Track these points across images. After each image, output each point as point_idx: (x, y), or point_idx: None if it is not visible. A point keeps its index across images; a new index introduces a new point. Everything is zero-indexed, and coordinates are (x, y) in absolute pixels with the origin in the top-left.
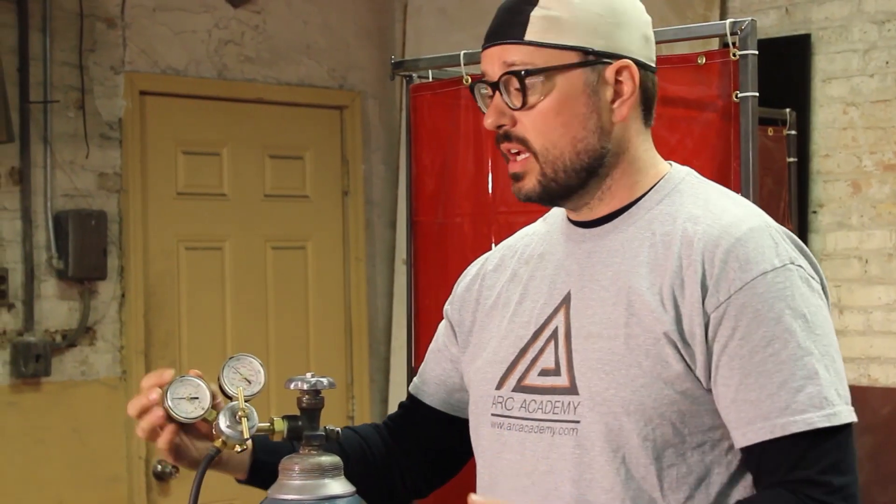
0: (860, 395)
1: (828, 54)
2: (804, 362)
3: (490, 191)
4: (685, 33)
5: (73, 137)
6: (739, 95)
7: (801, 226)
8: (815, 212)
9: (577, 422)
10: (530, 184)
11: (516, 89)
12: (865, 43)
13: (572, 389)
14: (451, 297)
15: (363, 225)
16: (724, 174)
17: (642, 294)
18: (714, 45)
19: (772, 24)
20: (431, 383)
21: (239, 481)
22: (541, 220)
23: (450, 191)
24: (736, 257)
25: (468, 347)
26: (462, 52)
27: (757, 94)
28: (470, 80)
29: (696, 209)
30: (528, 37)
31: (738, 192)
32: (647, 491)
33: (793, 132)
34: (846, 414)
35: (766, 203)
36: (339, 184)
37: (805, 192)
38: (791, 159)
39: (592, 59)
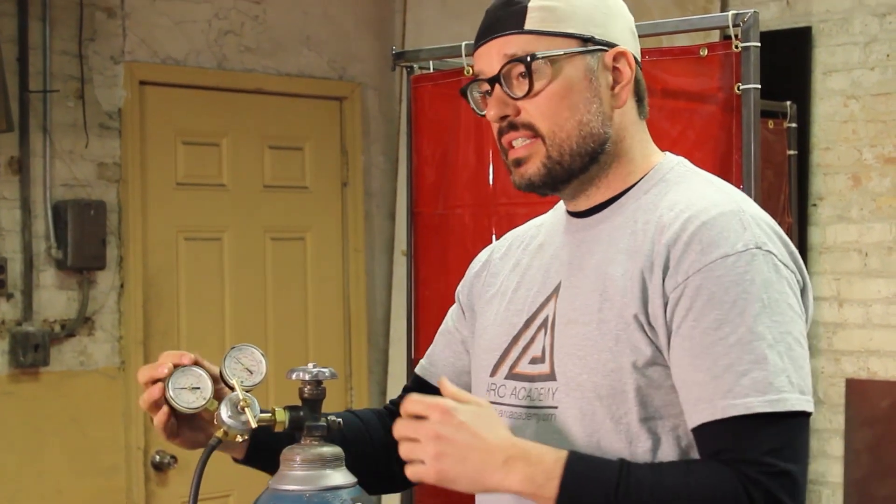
0: (859, 389)
1: (828, 47)
2: (753, 346)
3: (491, 182)
4: (687, 25)
5: (72, 127)
6: (741, 87)
7: (800, 219)
8: (815, 205)
9: (556, 407)
10: (534, 167)
11: (521, 76)
12: (866, 36)
13: (551, 376)
14: (462, 280)
15: (362, 216)
16: (725, 166)
17: (616, 280)
18: (715, 37)
19: (772, 17)
20: (440, 365)
21: (236, 461)
22: (551, 211)
23: (450, 182)
24: (699, 240)
25: (475, 332)
26: (463, 43)
27: (759, 86)
28: (472, 70)
29: (678, 196)
30: (528, 26)
31: (739, 185)
32: None
33: (793, 125)
34: (794, 401)
35: (767, 196)
36: (339, 175)
37: (805, 185)
38: (791, 152)
39: (592, 45)
